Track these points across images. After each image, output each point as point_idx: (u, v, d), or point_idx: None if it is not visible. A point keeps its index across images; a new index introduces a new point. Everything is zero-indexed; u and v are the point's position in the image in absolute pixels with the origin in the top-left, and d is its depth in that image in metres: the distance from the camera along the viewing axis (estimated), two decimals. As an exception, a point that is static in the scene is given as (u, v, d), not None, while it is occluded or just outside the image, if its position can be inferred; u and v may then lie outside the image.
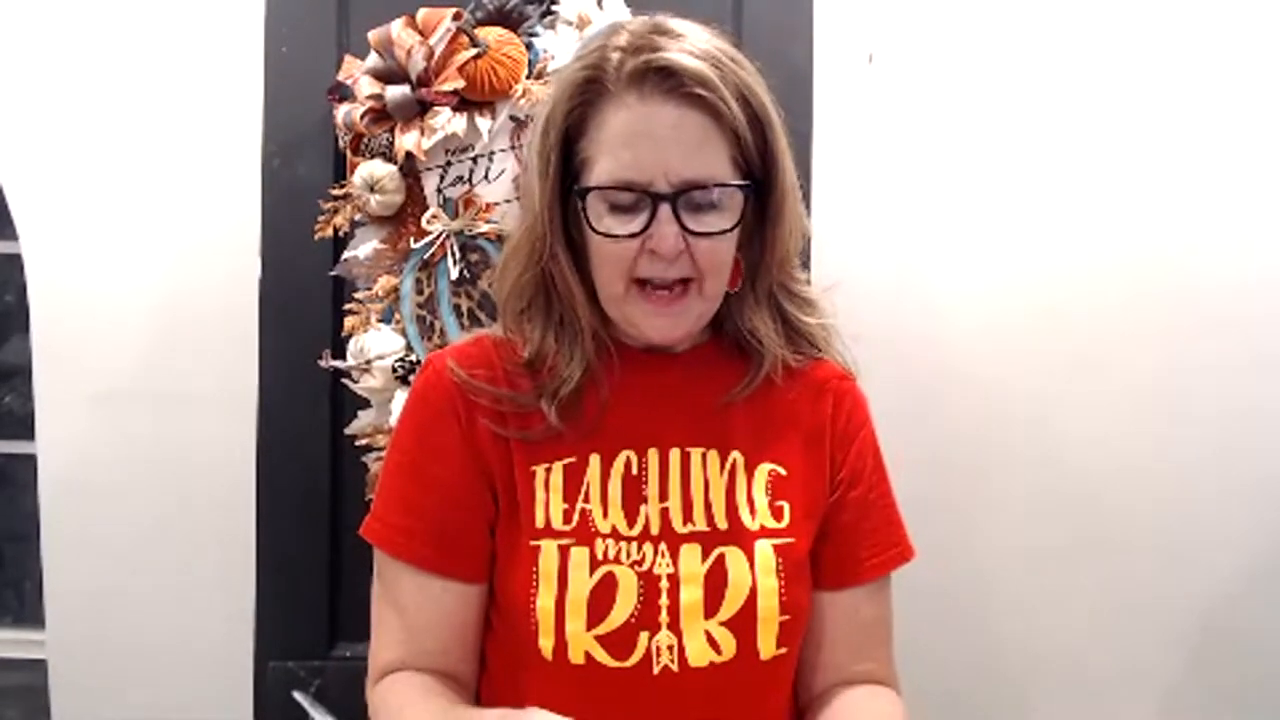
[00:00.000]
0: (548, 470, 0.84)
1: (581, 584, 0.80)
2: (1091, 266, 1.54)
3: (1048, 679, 1.57)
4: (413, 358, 1.26)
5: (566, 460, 0.84)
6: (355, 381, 1.27)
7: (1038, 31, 1.55)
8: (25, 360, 1.59)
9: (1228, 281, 1.52)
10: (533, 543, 0.82)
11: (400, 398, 1.24)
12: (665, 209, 0.78)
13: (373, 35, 1.25)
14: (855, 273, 1.51)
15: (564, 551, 0.81)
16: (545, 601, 0.80)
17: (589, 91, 0.81)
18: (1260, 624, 1.54)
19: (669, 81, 0.78)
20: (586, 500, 0.83)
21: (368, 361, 1.25)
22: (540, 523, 0.82)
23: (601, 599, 0.80)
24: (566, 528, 0.82)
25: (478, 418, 0.84)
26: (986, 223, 1.55)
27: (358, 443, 1.30)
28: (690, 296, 0.83)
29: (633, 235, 0.79)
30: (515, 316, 0.88)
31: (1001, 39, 1.55)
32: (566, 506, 0.83)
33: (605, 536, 0.82)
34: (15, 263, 1.59)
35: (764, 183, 0.83)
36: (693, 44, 0.80)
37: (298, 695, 1.25)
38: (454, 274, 1.25)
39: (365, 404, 1.29)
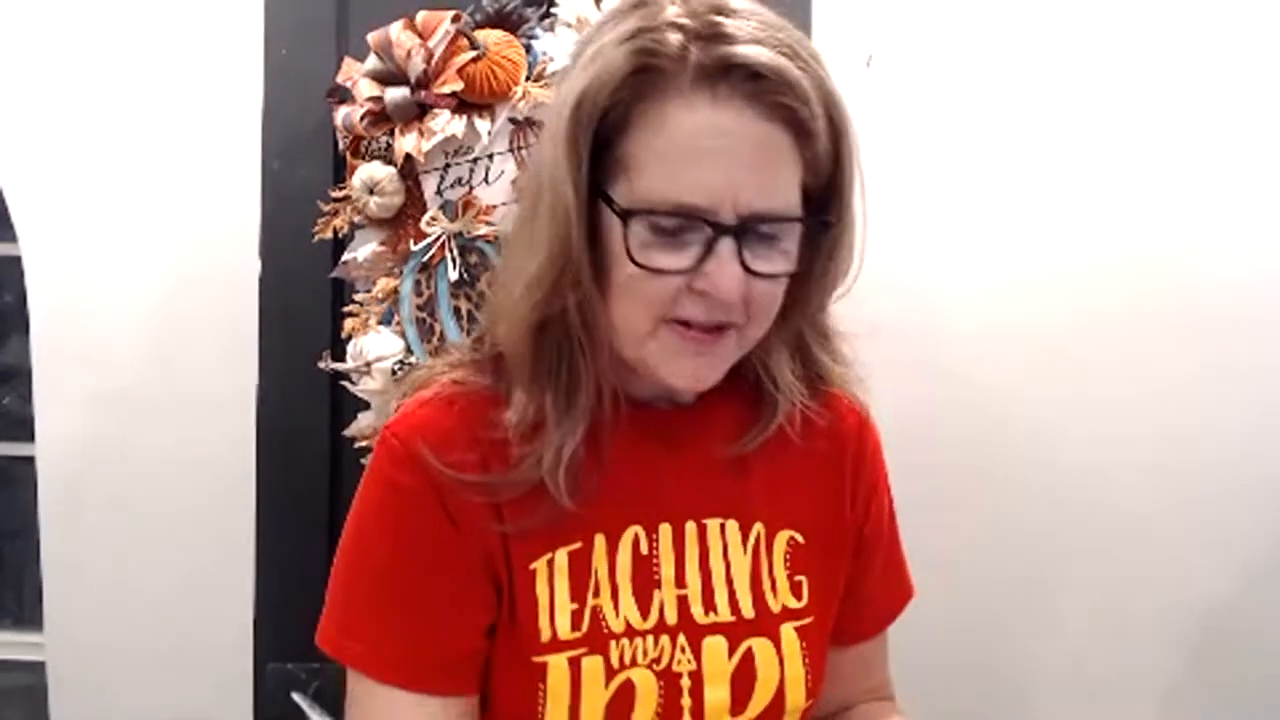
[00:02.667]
0: (549, 563, 0.71)
1: (597, 699, 0.70)
2: (1091, 267, 1.54)
3: (1047, 679, 1.57)
4: (412, 360, 1.26)
5: (571, 547, 0.71)
6: (354, 384, 1.27)
7: (1037, 33, 1.54)
8: (25, 362, 1.59)
9: (1229, 282, 1.52)
10: (537, 659, 0.70)
11: (400, 399, 1.24)
12: (728, 245, 0.63)
13: (372, 37, 1.25)
14: (854, 273, 1.51)
15: (575, 664, 0.70)
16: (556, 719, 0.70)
17: (642, 83, 0.63)
18: (1261, 625, 1.54)
19: (750, 85, 0.62)
20: (596, 594, 0.71)
21: (367, 364, 1.25)
22: (546, 635, 0.70)
23: (619, 710, 0.70)
24: (576, 634, 0.70)
25: (466, 511, 0.70)
26: (986, 224, 1.55)
27: (357, 445, 1.30)
28: (728, 340, 0.68)
29: (682, 271, 0.64)
30: (530, 364, 0.70)
31: (1001, 41, 1.55)
32: (575, 607, 0.71)
33: (619, 637, 0.71)
34: (15, 265, 1.59)
35: (829, 208, 0.69)
36: (768, 31, 0.63)
37: (296, 697, 1.26)
38: (453, 276, 1.25)
39: (364, 406, 1.29)
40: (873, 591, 0.84)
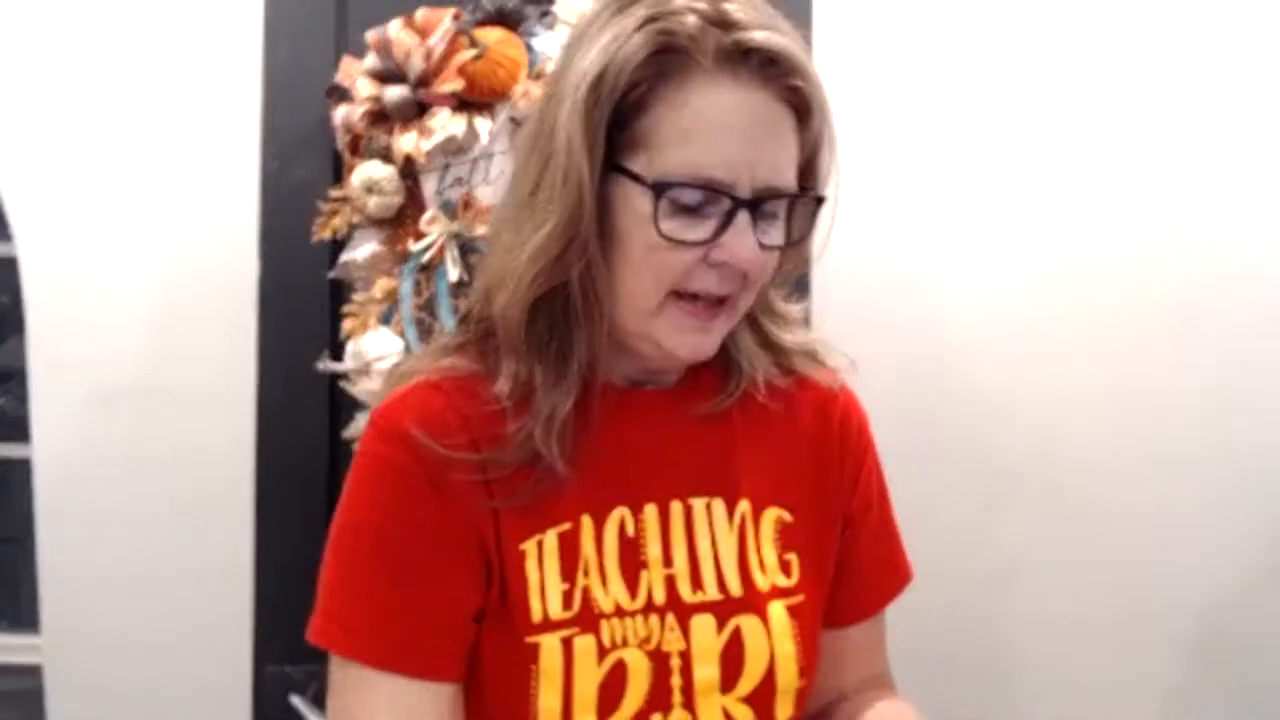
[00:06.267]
0: (539, 545, 0.72)
1: (590, 678, 0.71)
2: (1093, 266, 1.54)
3: (1046, 678, 1.57)
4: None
5: (560, 528, 0.73)
6: (353, 384, 1.27)
7: (1038, 33, 1.55)
8: (21, 363, 1.58)
9: (1229, 280, 1.52)
10: (530, 640, 0.70)
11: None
12: (744, 217, 0.68)
13: (371, 36, 1.24)
14: (855, 274, 1.51)
15: (567, 644, 0.71)
16: (550, 702, 0.70)
17: (663, 63, 0.67)
18: (1262, 626, 1.54)
19: (768, 69, 0.67)
20: (586, 574, 0.72)
21: (366, 364, 1.25)
22: (537, 615, 0.71)
23: (611, 690, 0.71)
24: (567, 614, 0.71)
25: (455, 490, 0.70)
26: (987, 223, 1.55)
27: (355, 446, 1.29)
28: (724, 312, 0.72)
29: (702, 243, 0.68)
30: (524, 333, 0.72)
31: (1001, 40, 1.55)
32: (566, 586, 0.72)
33: (609, 617, 0.72)
34: (11, 265, 1.58)
35: (810, 186, 0.74)
36: (772, 20, 0.69)
37: (295, 699, 1.25)
38: (453, 276, 1.25)
39: (363, 407, 1.29)
40: (867, 569, 0.85)
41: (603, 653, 0.71)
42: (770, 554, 0.77)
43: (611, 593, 0.72)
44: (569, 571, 0.72)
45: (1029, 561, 1.55)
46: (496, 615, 0.72)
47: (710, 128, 0.67)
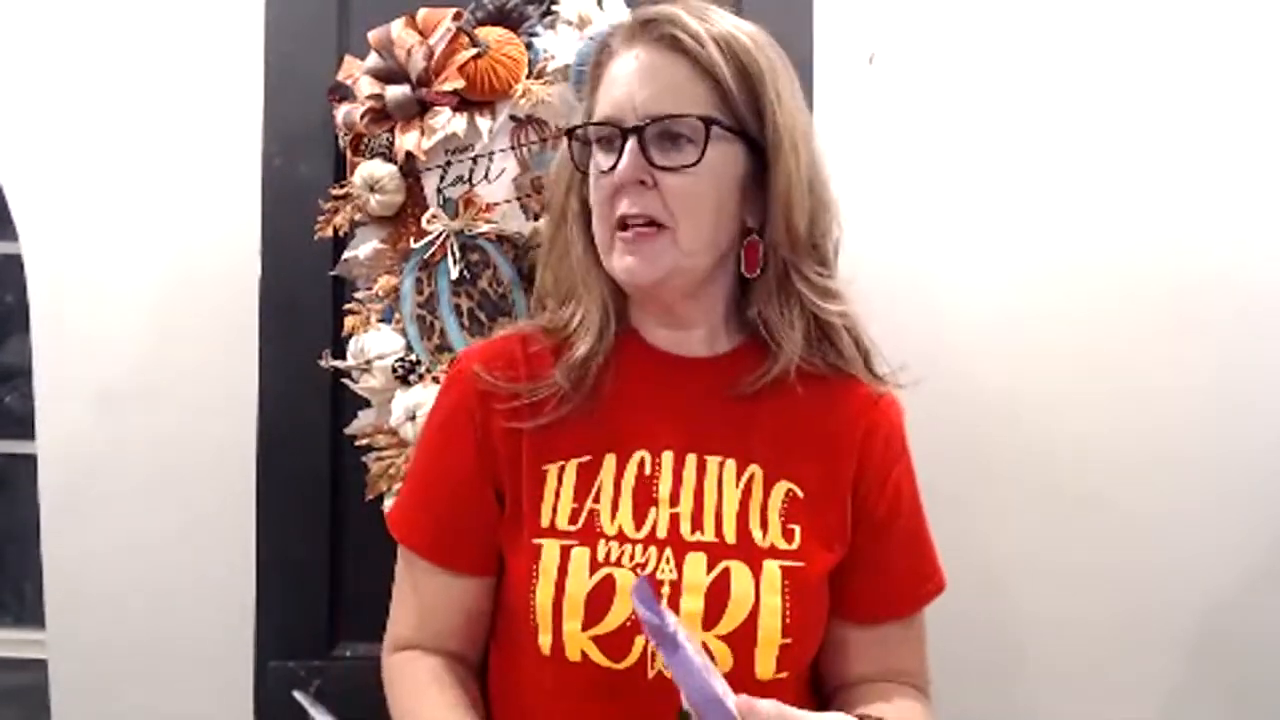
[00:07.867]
0: (561, 469, 0.85)
1: (580, 584, 0.80)
2: (1093, 266, 1.54)
3: (1047, 681, 1.57)
4: (412, 357, 1.26)
5: (582, 459, 0.85)
6: (355, 381, 1.27)
7: (1039, 31, 1.54)
8: (25, 360, 1.59)
9: (1229, 280, 1.52)
10: (535, 541, 0.83)
11: (400, 397, 1.25)
12: (631, 141, 0.81)
13: (373, 35, 1.25)
14: (855, 274, 1.50)
15: (565, 551, 0.82)
16: (543, 599, 0.81)
17: (601, 53, 0.88)
18: (1262, 626, 1.54)
19: (651, 29, 0.84)
20: (597, 500, 0.84)
21: (368, 361, 1.25)
22: (545, 522, 0.83)
23: (599, 600, 0.80)
24: (572, 528, 0.83)
25: (494, 417, 0.87)
26: (988, 223, 1.55)
27: (358, 443, 1.30)
28: (659, 240, 0.83)
29: (605, 172, 0.83)
30: (562, 290, 0.91)
31: (1003, 39, 1.55)
32: (575, 506, 0.84)
33: (610, 539, 0.82)
34: (15, 262, 1.59)
35: (760, 141, 0.84)
36: (697, 8, 0.84)
37: (298, 695, 1.25)
38: (454, 274, 1.25)
39: (365, 404, 1.29)
40: (897, 573, 0.90)
41: (595, 566, 0.81)
42: (774, 519, 0.84)
43: (618, 521, 0.83)
44: (581, 495, 0.84)
45: (1029, 561, 1.55)
46: (515, 522, 0.85)
47: (607, 84, 0.86)
